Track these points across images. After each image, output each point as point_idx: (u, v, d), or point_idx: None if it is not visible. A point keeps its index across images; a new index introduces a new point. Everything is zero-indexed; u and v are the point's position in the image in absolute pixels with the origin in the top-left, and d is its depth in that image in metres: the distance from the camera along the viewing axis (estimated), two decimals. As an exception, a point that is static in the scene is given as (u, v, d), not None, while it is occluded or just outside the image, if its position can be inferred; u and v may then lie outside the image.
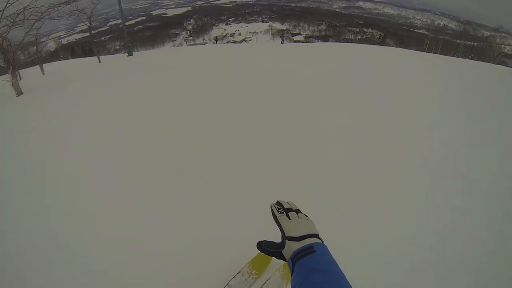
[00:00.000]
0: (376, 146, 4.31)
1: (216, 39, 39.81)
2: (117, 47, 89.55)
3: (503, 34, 28.79)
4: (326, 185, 3.32)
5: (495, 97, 7.52)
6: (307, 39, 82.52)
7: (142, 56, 17.60)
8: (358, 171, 3.66)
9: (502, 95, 7.96)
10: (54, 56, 46.36)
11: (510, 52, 31.45)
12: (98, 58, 17.90)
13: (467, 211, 2.94)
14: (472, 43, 28.91)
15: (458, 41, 30.00)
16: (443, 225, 2.74)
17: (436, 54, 22.66)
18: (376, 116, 5.43)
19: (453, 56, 28.73)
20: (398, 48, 29.83)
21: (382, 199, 3.11)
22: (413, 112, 5.75)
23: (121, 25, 20.60)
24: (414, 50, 33.58)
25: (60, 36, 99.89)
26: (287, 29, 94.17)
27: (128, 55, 18.07)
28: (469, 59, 28.87)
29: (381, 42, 47.47)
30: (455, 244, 2.51)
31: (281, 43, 28.54)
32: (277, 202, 0.72)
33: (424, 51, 31.78)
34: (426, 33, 72.11)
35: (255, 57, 12.79)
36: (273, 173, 3.55)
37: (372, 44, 39.95)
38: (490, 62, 28.56)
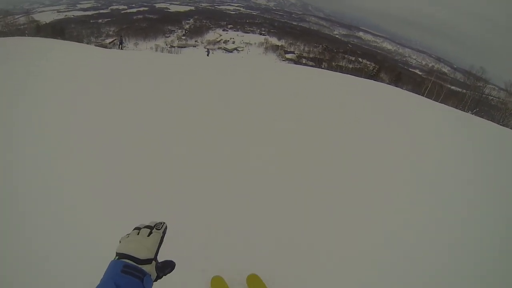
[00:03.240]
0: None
1: (120, 43, 21.73)
2: (111, 32, 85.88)
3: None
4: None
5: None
6: (299, 58, 78.09)
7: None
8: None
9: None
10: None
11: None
12: None
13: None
14: (481, 95, 24.38)
15: (464, 91, 25.50)
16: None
17: (443, 105, 17.53)
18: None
19: (457, 108, 24.08)
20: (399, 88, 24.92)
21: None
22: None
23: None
24: (411, 91, 28.91)
25: (59, 10, 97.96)
26: (281, 46, 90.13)
27: None
28: (473, 113, 24.07)
29: (375, 76, 43.01)
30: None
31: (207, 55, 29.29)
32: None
33: (423, 95, 27.00)
34: (420, 73, 69.57)
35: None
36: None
37: (365, 77, 34.36)
38: (499, 123, 23.76)
